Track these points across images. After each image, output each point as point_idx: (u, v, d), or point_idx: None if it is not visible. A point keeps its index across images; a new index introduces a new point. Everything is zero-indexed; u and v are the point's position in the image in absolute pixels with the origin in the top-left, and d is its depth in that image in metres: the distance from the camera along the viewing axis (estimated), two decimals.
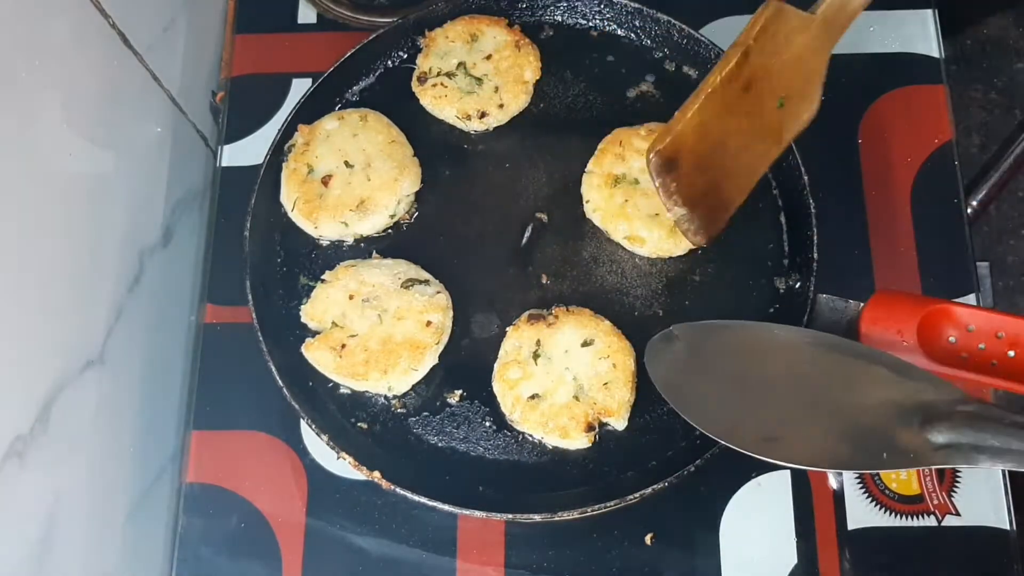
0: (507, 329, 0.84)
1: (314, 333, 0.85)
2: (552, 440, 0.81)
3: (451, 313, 0.84)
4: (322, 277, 0.85)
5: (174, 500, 0.89)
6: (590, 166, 0.88)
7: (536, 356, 0.81)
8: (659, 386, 0.75)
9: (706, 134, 0.76)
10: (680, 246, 0.85)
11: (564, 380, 0.81)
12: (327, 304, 0.84)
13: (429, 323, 0.82)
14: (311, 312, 0.84)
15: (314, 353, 0.82)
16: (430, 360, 0.83)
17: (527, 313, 0.84)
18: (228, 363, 0.91)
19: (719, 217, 0.78)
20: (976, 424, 0.64)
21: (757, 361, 0.74)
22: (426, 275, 0.85)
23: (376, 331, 0.82)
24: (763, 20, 0.76)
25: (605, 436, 0.82)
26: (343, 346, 0.82)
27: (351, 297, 0.83)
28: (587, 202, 0.88)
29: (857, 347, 0.74)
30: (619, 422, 0.81)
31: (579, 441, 0.80)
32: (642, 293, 0.86)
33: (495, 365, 0.83)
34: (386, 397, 0.84)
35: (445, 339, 0.83)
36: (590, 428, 0.80)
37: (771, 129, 0.76)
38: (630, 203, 0.85)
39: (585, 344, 0.81)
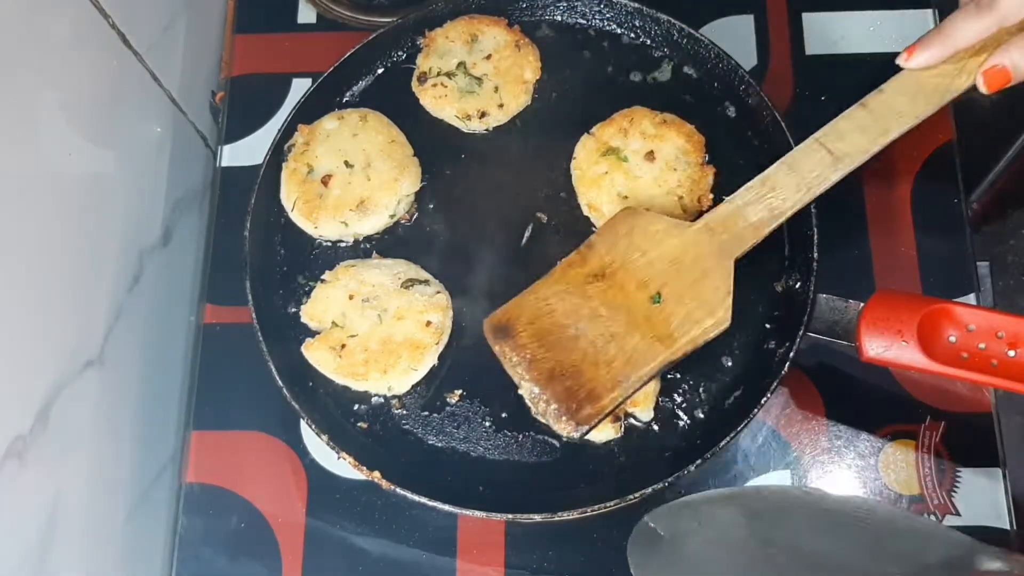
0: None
1: (314, 333, 0.85)
2: None
3: (451, 313, 0.84)
4: (322, 277, 0.85)
5: (174, 500, 0.89)
6: (595, 128, 0.89)
7: None
8: None
9: (547, 310, 0.77)
10: None
11: None
12: (327, 304, 0.84)
13: (429, 323, 0.82)
14: (311, 312, 0.84)
15: (314, 353, 0.82)
16: (430, 360, 0.83)
17: None
18: (228, 363, 0.91)
19: (586, 407, 0.73)
20: None
21: (746, 541, 0.70)
22: (426, 275, 0.85)
23: (376, 331, 0.82)
24: (613, 219, 0.79)
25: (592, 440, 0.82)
26: (343, 346, 0.82)
27: (351, 297, 0.83)
28: (572, 158, 0.88)
29: (847, 501, 0.69)
30: (644, 412, 0.81)
31: (604, 432, 0.80)
32: None
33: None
34: (386, 397, 0.84)
35: (445, 339, 0.83)
36: (616, 418, 0.79)
37: (649, 324, 0.75)
38: (608, 175, 0.86)
39: None
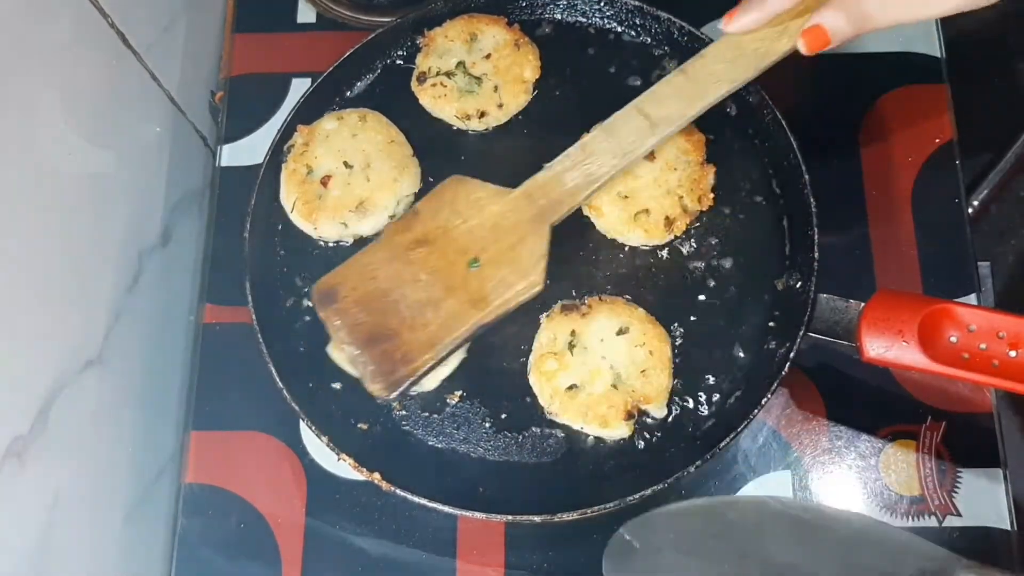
0: (541, 320, 0.84)
1: (314, 340, 0.84)
2: (591, 430, 0.81)
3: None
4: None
5: (173, 501, 0.89)
6: (594, 127, 0.88)
7: (572, 346, 0.81)
8: None
9: (371, 276, 0.79)
10: (636, 236, 0.85)
11: (601, 369, 0.81)
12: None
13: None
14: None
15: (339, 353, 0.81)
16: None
17: (560, 304, 0.84)
18: (227, 363, 0.91)
19: (399, 369, 0.76)
20: None
21: (722, 552, 0.70)
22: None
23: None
24: (439, 187, 0.82)
25: (603, 438, 0.82)
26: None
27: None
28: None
29: (824, 512, 0.70)
30: (658, 409, 0.81)
31: (619, 430, 0.80)
32: (642, 293, 0.86)
33: (530, 358, 0.83)
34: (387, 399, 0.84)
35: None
36: (629, 416, 0.80)
37: (465, 289, 0.78)
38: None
39: (620, 332, 0.81)
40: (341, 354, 0.81)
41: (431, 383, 0.83)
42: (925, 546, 0.67)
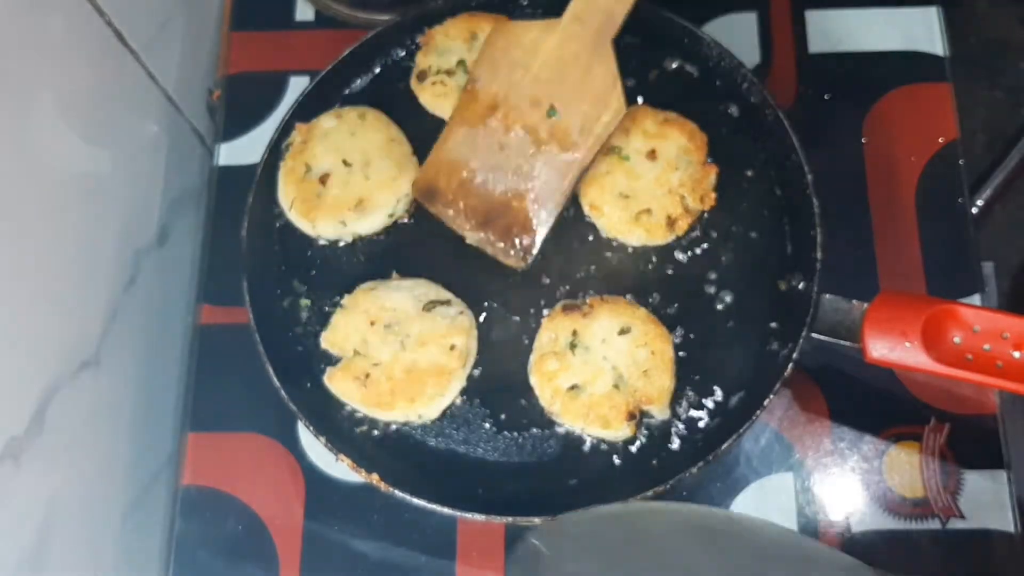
0: (542, 321, 0.83)
1: (312, 341, 0.84)
2: (593, 431, 0.80)
3: (475, 333, 0.82)
4: (340, 302, 0.83)
5: (170, 503, 0.89)
6: None
7: (573, 347, 0.81)
8: None
9: (461, 159, 0.79)
10: (638, 236, 0.85)
11: (603, 370, 0.80)
12: (347, 331, 0.82)
13: (453, 347, 0.80)
14: (331, 339, 0.82)
15: (338, 384, 0.81)
16: (457, 384, 0.81)
17: (561, 304, 0.83)
18: (225, 364, 0.90)
19: (524, 237, 0.78)
20: None
21: (631, 561, 0.69)
22: (447, 294, 0.83)
23: (400, 358, 0.80)
24: (486, 44, 0.80)
25: (605, 440, 0.81)
26: (367, 375, 0.80)
27: (372, 323, 0.81)
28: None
29: (737, 521, 0.70)
30: (660, 410, 0.80)
31: (621, 431, 0.80)
32: (643, 292, 0.85)
33: (531, 358, 0.83)
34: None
35: (471, 361, 0.82)
36: (631, 417, 0.79)
37: (553, 138, 0.77)
38: (610, 175, 0.85)
39: (622, 332, 0.81)
40: (341, 384, 0.81)
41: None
42: (836, 556, 0.67)
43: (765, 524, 0.69)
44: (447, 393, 0.80)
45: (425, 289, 0.83)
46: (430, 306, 0.82)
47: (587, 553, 0.71)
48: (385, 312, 0.81)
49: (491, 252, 0.78)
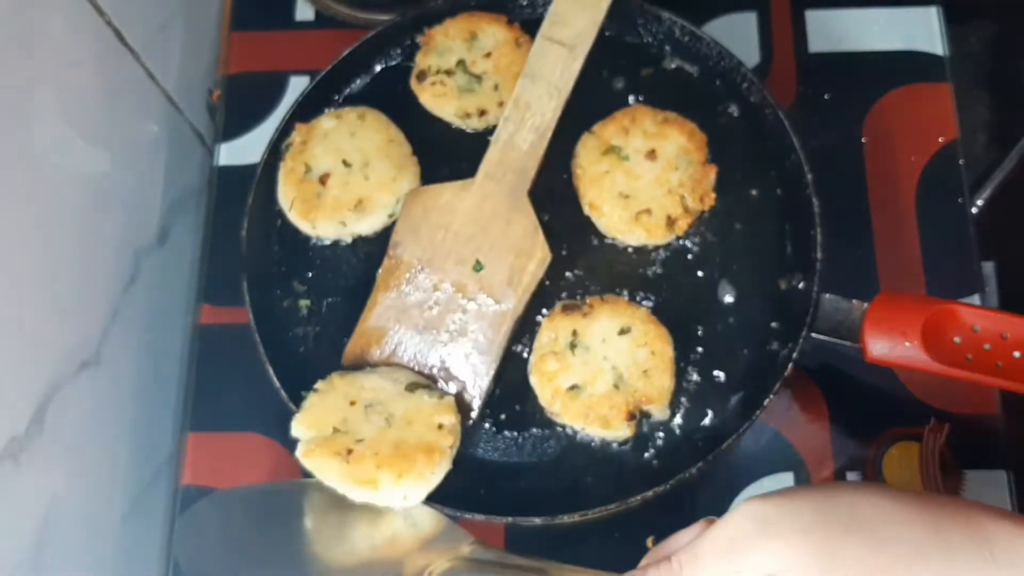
0: (541, 321, 0.83)
1: (312, 341, 0.84)
2: (593, 431, 0.80)
3: (459, 416, 0.78)
4: (315, 387, 0.78)
5: (170, 502, 0.89)
6: (595, 127, 0.88)
7: (573, 347, 0.81)
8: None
9: (388, 328, 0.79)
10: (637, 236, 0.85)
11: (603, 370, 0.80)
12: (324, 412, 0.75)
13: (441, 425, 0.76)
14: (307, 421, 0.75)
15: (315, 460, 0.73)
16: (446, 465, 0.76)
17: (561, 304, 0.83)
18: (225, 364, 0.90)
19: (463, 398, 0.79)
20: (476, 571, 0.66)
21: (255, 541, 0.74)
22: (426, 380, 0.81)
23: (386, 435, 0.74)
24: (404, 208, 0.81)
25: (604, 439, 0.81)
26: (349, 451, 0.73)
27: (352, 403, 0.76)
28: (574, 157, 0.88)
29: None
30: (660, 410, 0.80)
31: (621, 431, 0.80)
32: (643, 292, 0.85)
33: (531, 358, 0.83)
34: None
35: (458, 443, 0.77)
36: (631, 417, 0.79)
37: (484, 290, 0.78)
38: (609, 175, 0.85)
39: (622, 332, 0.81)
40: (318, 461, 0.74)
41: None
42: (451, 529, 0.72)
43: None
44: (437, 472, 0.74)
45: (402, 374, 0.80)
46: (412, 387, 0.78)
47: (234, 527, 0.75)
48: (365, 392, 0.77)
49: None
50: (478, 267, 0.77)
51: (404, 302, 0.79)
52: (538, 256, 0.78)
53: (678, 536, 0.65)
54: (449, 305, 0.78)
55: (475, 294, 0.78)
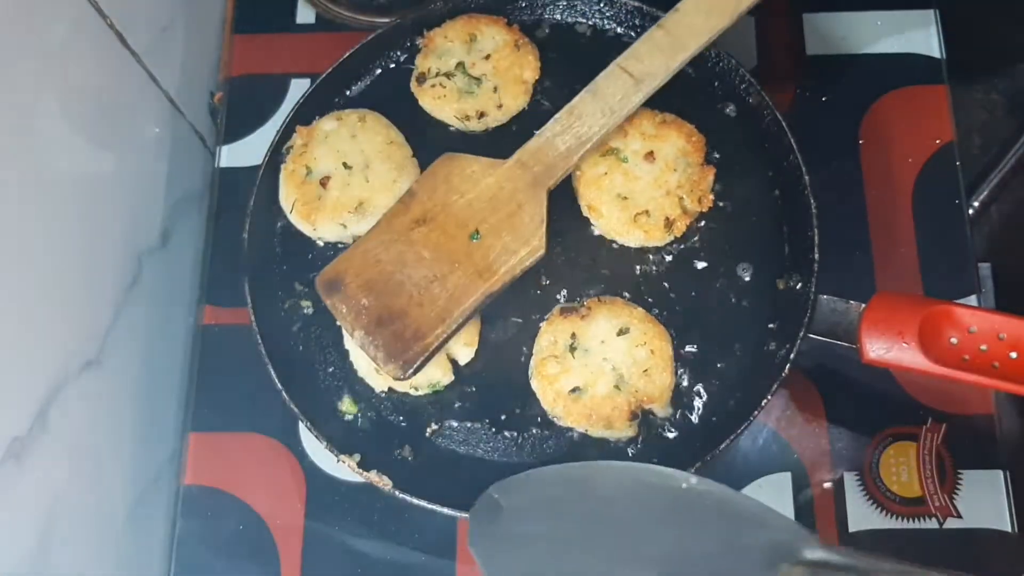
0: (540, 324, 0.84)
1: (314, 341, 0.84)
2: (596, 432, 0.81)
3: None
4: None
5: (172, 502, 0.89)
6: None
7: (573, 349, 0.81)
8: (483, 569, 0.72)
9: (374, 260, 0.80)
10: (636, 237, 0.85)
11: (603, 371, 0.81)
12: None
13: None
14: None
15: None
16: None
17: (559, 307, 0.84)
18: (226, 365, 0.91)
19: (412, 346, 0.77)
20: (822, 573, 0.63)
21: (582, 517, 0.72)
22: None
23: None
24: (432, 166, 0.83)
25: (604, 439, 0.82)
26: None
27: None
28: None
29: (692, 484, 0.71)
30: (662, 408, 0.81)
31: (624, 431, 0.80)
32: (642, 293, 0.86)
33: (531, 362, 0.83)
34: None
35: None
36: (634, 416, 0.80)
37: (470, 261, 0.79)
38: (608, 176, 0.86)
39: (621, 333, 0.81)
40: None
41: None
42: (780, 519, 0.69)
43: (712, 484, 0.71)
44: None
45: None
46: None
47: (540, 507, 0.73)
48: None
49: (371, 356, 0.77)
50: (475, 236, 0.79)
51: (397, 244, 0.81)
52: (533, 245, 0.80)
53: None
54: (436, 262, 0.80)
55: (462, 262, 0.79)
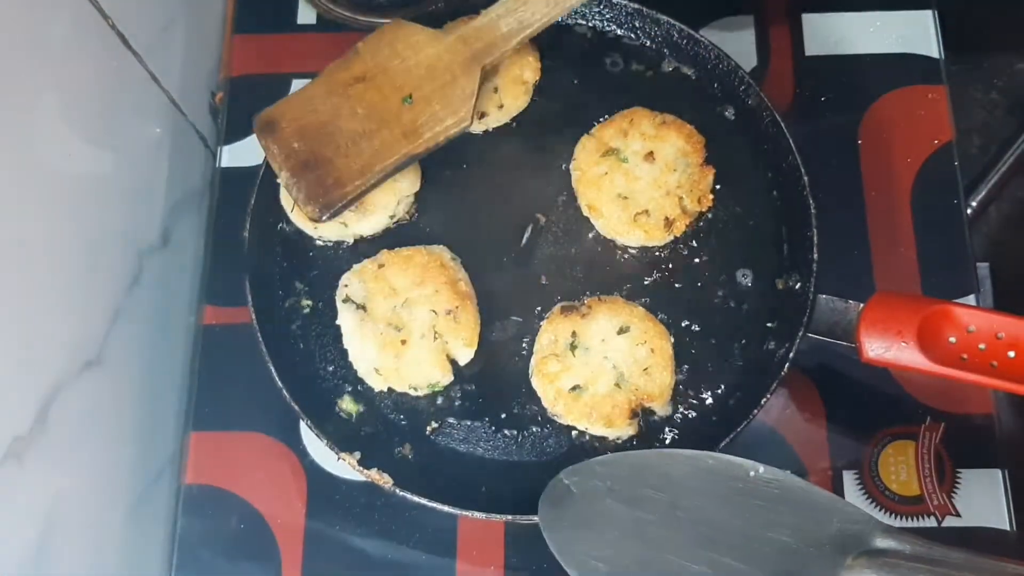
0: (540, 324, 0.84)
1: (314, 340, 0.84)
2: (597, 430, 0.81)
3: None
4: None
5: (173, 501, 0.89)
6: (594, 129, 0.89)
7: (573, 348, 0.82)
8: (557, 553, 0.73)
9: (311, 109, 0.83)
10: (636, 237, 0.86)
11: (604, 369, 0.81)
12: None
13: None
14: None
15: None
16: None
17: (559, 305, 0.84)
18: (227, 364, 0.91)
19: (331, 192, 0.81)
20: (892, 562, 0.64)
21: (654, 503, 0.72)
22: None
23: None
24: (381, 28, 0.86)
25: (604, 437, 0.82)
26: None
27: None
28: (573, 159, 0.89)
29: (760, 473, 0.72)
30: (662, 407, 0.81)
31: (624, 429, 0.80)
32: (642, 293, 0.86)
33: (532, 360, 0.83)
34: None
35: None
36: (634, 415, 0.80)
37: (398, 122, 0.83)
38: (608, 176, 0.86)
39: (621, 332, 0.82)
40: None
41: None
42: (848, 507, 0.69)
43: (781, 473, 0.71)
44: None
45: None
46: None
47: (612, 492, 0.74)
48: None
49: (294, 196, 0.81)
50: (408, 100, 0.82)
51: (333, 97, 0.83)
52: (460, 115, 0.82)
53: None
54: (367, 118, 0.82)
55: (391, 123, 0.82)
